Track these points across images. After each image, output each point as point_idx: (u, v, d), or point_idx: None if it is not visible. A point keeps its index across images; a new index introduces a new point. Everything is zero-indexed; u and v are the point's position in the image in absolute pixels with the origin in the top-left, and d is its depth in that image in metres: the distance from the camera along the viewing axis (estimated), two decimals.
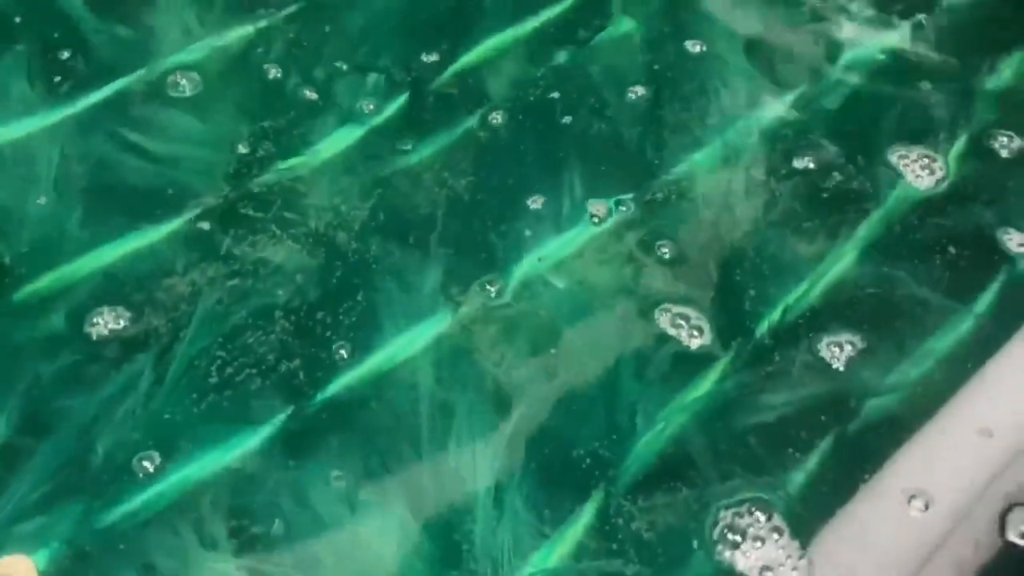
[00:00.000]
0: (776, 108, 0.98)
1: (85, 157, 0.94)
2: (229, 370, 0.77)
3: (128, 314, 0.81)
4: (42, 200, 0.89)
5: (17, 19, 1.06)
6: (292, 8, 1.10)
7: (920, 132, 0.96)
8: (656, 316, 0.84)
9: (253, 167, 0.92)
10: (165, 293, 0.83)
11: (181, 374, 0.77)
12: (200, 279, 0.83)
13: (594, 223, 0.90)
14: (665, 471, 0.75)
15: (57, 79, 1.01)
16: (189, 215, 0.90)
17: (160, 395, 0.75)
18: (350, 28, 1.09)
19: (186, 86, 1.02)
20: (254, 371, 0.77)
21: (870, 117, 0.97)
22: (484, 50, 1.06)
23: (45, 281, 0.84)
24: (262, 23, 1.08)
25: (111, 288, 0.83)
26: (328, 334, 0.80)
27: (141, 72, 1.03)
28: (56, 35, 1.05)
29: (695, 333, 0.82)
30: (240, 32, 1.07)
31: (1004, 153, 0.95)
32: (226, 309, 0.81)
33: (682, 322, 0.83)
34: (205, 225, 0.88)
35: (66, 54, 1.02)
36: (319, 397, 0.77)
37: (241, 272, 0.84)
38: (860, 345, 0.82)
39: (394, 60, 1.04)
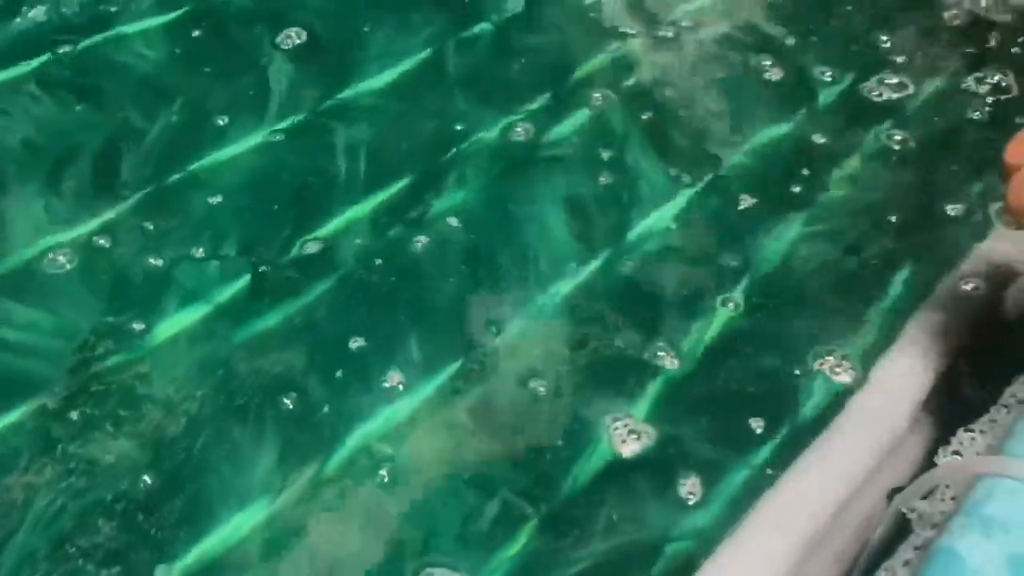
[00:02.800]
0: (580, 276, 1.08)
1: None
2: None
3: None
4: None
5: None
6: (142, 195, 1.16)
7: (695, 301, 1.06)
8: (468, 480, 0.90)
9: (93, 362, 0.97)
10: (2, 494, 0.85)
11: None
12: (36, 479, 0.86)
13: (419, 393, 0.96)
14: None
15: None
16: (30, 408, 0.93)
17: None
18: (197, 212, 1.15)
19: (36, 278, 1.06)
20: None
21: (656, 286, 1.08)
22: (328, 228, 1.14)
23: None
24: (112, 213, 1.14)
25: None
26: (156, 531, 0.83)
27: None
28: None
29: (506, 497, 0.89)
30: (90, 223, 1.12)
31: (764, 324, 1.06)
32: (58, 511, 0.83)
33: (495, 484, 0.89)
34: (45, 421, 0.91)
35: None
36: None
37: (76, 471, 0.87)
38: (655, 495, 0.89)
39: (238, 242, 1.11)
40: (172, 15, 1.40)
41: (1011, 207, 0.82)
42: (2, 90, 1.26)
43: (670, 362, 1.01)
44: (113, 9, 1.38)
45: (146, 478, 0.87)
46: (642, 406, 0.97)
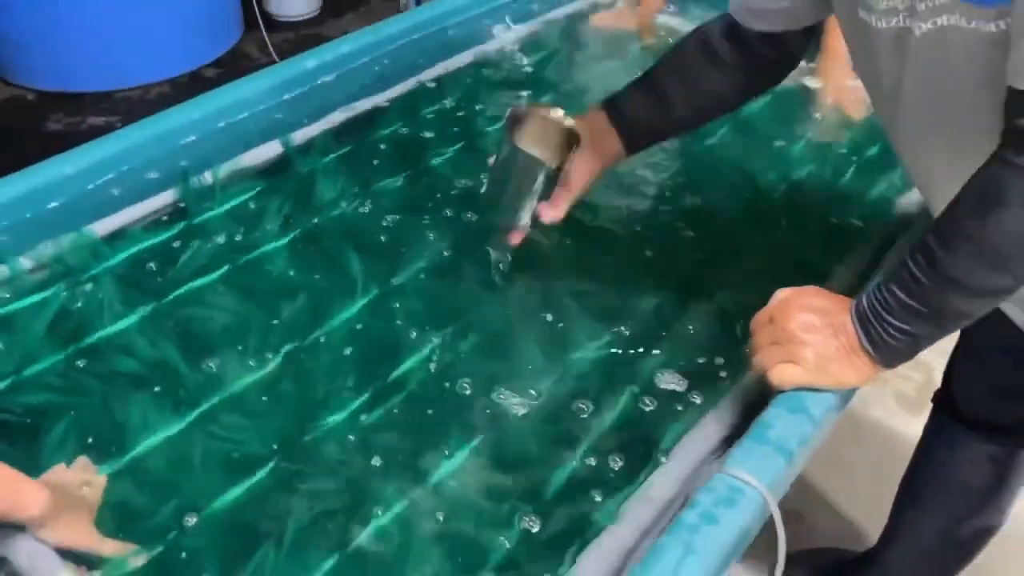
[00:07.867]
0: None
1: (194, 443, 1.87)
2: None
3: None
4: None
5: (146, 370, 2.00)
6: (290, 350, 2.09)
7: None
8: (489, 495, 1.83)
9: (291, 443, 1.86)
10: (271, 511, 1.77)
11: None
12: (288, 503, 1.74)
13: (462, 452, 1.91)
14: None
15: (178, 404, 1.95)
16: (266, 469, 1.84)
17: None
18: (325, 361, 2.08)
19: (240, 402, 1.98)
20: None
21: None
22: (399, 369, 2.08)
23: None
24: (276, 364, 2.06)
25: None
26: (356, 519, 1.75)
27: (214, 401, 1.98)
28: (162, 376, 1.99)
29: (510, 505, 1.82)
30: (264, 370, 2.04)
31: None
32: (306, 515, 1.74)
33: (506, 494, 1.84)
34: (278, 474, 1.81)
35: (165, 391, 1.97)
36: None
37: (308, 496, 1.71)
38: None
39: (354, 379, 2.04)
40: (289, 236, 2.37)
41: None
42: (205, 291, 2.19)
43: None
44: (258, 235, 2.35)
45: (343, 494, 1.79)
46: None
